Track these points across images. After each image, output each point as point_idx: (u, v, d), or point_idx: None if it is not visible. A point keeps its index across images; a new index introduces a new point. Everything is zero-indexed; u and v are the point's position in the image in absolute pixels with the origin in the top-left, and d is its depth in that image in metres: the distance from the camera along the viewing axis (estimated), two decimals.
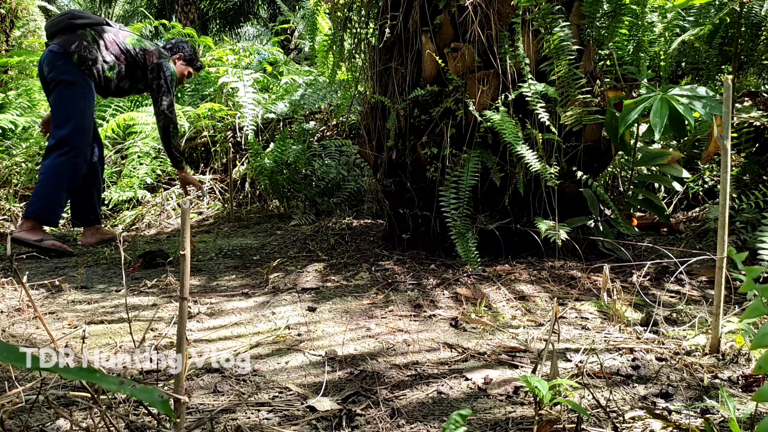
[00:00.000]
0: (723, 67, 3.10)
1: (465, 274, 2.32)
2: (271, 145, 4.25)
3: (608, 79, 2.63)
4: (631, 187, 2.72)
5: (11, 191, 4.38)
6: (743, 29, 2.92)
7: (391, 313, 1.99)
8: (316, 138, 4.67)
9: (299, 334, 1.81)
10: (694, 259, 2.02)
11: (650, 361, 1.50)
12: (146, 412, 1.26)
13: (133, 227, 4.21)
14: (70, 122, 3.28)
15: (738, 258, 0.77)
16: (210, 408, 1.32)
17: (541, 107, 2.35)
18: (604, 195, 2.47)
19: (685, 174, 2.66)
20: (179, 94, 5.44)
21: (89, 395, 1.15)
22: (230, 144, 4.72)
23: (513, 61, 2.43)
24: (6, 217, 4.21)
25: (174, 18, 11.59)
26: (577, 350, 1.61)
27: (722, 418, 1.22)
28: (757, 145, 2.95)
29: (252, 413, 1.30)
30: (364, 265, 2.57)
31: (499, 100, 2.43)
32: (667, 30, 2.97)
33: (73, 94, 3.32)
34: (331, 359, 1.59)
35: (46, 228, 3.36)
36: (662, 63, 3.15)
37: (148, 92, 3.69)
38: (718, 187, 2.01)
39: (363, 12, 2.89)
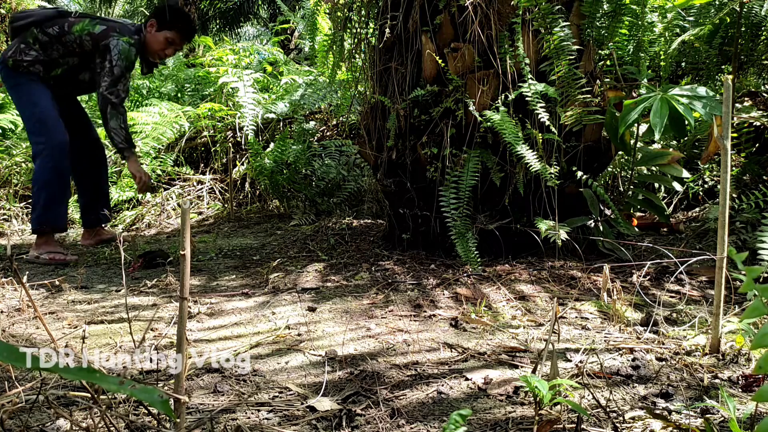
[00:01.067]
0: (723, 67, 3.10)
1: (465, 274, 2.32)
2: (271, 145, 4.25)
3: (608, 79, 2.63)
4: (631, 187, 2.72)
5: (11, 191, 4.38)
6: (743, 29, 2.93)
7: (391, 313, 1.99)
8: (316, 138, 4.67)
9: (299, 334, 1.81)
10: (694, 259, 2.02)
11: (650, 361, 1.50)
12: (146, 412, 1.26)
13: (133, 227, 4.21)
14: (32, 125, 3.13)
15: (738, 258, 0.77)
16: (210, 408, 1.32)
17: (541, 107, 2.35)
18: (604, 195, 2.47)
19: (685, 174, 2.66)
20: (179, 94, 5.44)
21: (89, 395, 1.15)
22: (230, 144, 4.72)
23: (513, 61, 2.43)
24: (6, 217, 4.21)
25: None
26: (577, 350, 1.61)
27: (722, 418, 1.22)
28: (757, 145, 2.95)
29: (252, 413, 1.30)
30: (364, 265, 2.57)
31: (499, 100, 2.43)
32: (667, 30, 2.97)
33: (20, 97, 3.16)
34: (331, 359, 1.59)
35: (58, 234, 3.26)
36: (662, 63, 3.15)
37: None
38: (718, 187, 2.01)
39: (363, 12, 2.89)
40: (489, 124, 2.38)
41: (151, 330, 1.89)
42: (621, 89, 2.59)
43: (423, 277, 2.34)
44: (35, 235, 3.12)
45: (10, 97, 3.35)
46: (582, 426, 1.16)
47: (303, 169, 4.09)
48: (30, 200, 4.33)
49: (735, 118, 2.76)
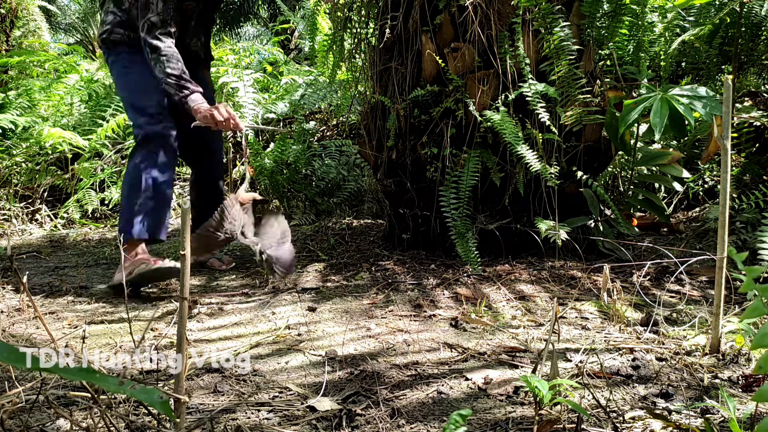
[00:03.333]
0: (723, 67, 3.10)
1: (465, 274, 2.32)
2: (271, 145, 4.25)
3: (608, 79, 2.63)
4: (631, 187, 2.72)
5: (11, 191, 4.38)
6: (743, 29, 2.92)
7: (391, 313, 1.99)
8: (316, 138, 4.67)
9: (299, 334, 1.81)
10: (694, 259, 2.02)
11: (650, 361, 1.50)
12: (146, 412, 1.26)
13: None
14: (128, 113, 2.58)
15: (738, 258, 0.77)
16: (210, 408, 1.32)
17: (542, 107, 2.35)
18: (604, 195, 2.47)
19: (686, 174, 2.66)
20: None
21: (89, 395, 1.15)
22: (230, 144, 4.72)
23: (513, 61, 2.43)
24: (6, 217, 4.21)
25: None
26: (577, 350, 1.61)
27: (722, 418, 1.22)
28: (757, 145, 2.95)
29: (252, 413, 1.30)
30: (364, 265, 2.57)
31: (499, 100, 2.43)
32: (667, 30, 2.97)
33: (115, 80, 2.64)
34: (331, 359, 1.59)
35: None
36: (662, 63, 3.15)
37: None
38: (718, 187, 2.01)
39: (363, 12, 2.89)
40: (489, 124, 2.38)
41: (151, 330, 1.89)
42: (621, 89, 2.59)
43: (423, 277, 2.34)
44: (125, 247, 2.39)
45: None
46: (582, 426, 1.16)
47: (303, 169, 4.09)
48: (30, 200, 4.34)
49: (735, 118, 2.76)
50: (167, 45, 2.36)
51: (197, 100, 2.39)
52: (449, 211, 2.46)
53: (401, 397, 1.36)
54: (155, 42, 2.35)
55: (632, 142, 2.57)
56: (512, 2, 2.42)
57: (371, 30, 2.90)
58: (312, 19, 4.14)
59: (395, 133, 2.66)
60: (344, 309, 2.05)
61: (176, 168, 2.55)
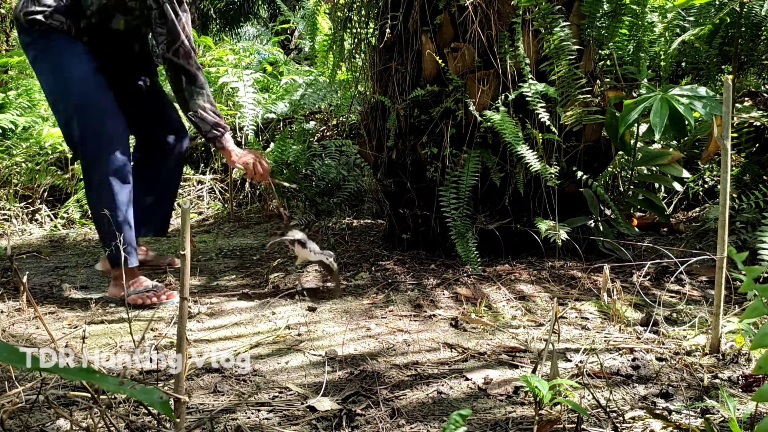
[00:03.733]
0: (723, 67, 3.10)
1: (465, 274, 2.32)
2: (271, 145, 4.25)
3: (608, 79, 2.63)
4: (631, 187, 2.72)
5: (11, 191, 4.38)
6: (743, 29, 2.92)
7: (391, 313, 1.99)
8: (316, 138, 4.67)
9: (299, 334, 1.81)
10: (694, 259, 2.02)
11: (650, 361, 1.50)
12: (146, 412, 1.26)
13: None
14: (65, 115, 2.23)
15: (738, 258, 0.77)
16: (210, 408, 1.32)
17: (542, 107, 2.35)
18: (604, 195, 2.47)
19: (686, 174, 2.66)
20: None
21: (89, 395, 1.15)
22: None
23: (513, 61, 2.42)
24: (6, 217, 4.21)
25: None
26: (577, 350, 1.61)
27: (722, 418, 1.22)
28: (757, 145, 2.95)
29: (252, 413, 1.30)
30: (364, 265, 2.57)
31: (499, 100, 2.43)
32: (667, 30, 2.97)
33: (42, 72, 2.23)
34: (331, 359, 1.59)
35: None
36: (662, 63, 3.15)
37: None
38: (718, 187, 2.01)
39: (363, 12, 2.89)
40: (489, 124, 2.38)
41: (151, 330, 1.89)
42: (621, 89, 2.59)
43: (423, 277, 2.34)
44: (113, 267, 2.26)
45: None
46: (582, 426, 1.16)
47: (303, 169, 4.09)
48: (30, 200, 4.34)
49: (735, 118, 2.76)
50: (204, 76, 2.22)
51: (230, 141, 2.32)
52: (449, 211, 2.46)
53: (401, 397, 1.36)
54: (195, 71, 2.17)
55: (632, 142, 2.57)
56: (512, 2, 2.42)
57: (371, 30, 2.90)
58: (312, 19, 4.14)
59: (395, 133, 2.66)
60: (344, 309, 2.05)
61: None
